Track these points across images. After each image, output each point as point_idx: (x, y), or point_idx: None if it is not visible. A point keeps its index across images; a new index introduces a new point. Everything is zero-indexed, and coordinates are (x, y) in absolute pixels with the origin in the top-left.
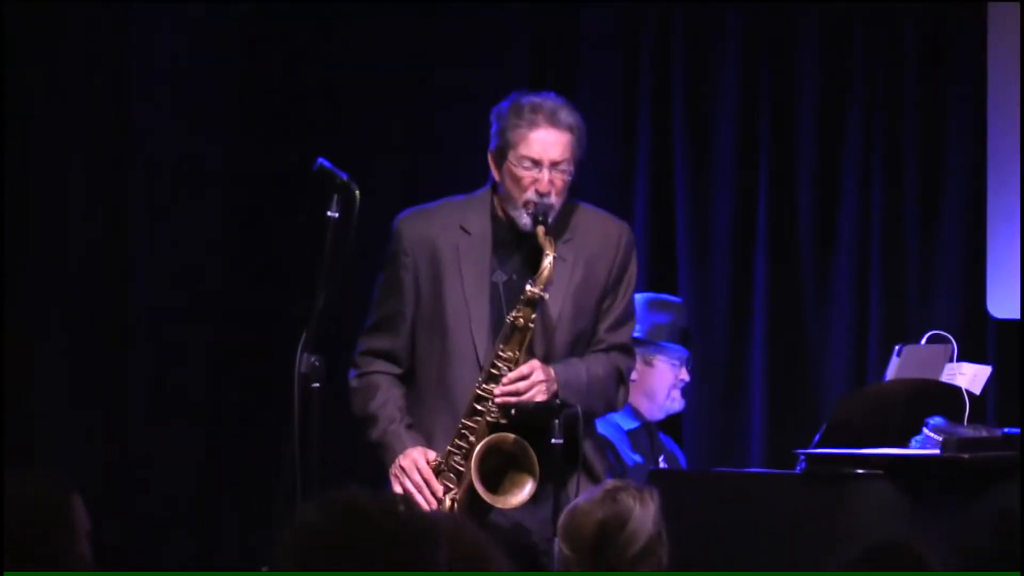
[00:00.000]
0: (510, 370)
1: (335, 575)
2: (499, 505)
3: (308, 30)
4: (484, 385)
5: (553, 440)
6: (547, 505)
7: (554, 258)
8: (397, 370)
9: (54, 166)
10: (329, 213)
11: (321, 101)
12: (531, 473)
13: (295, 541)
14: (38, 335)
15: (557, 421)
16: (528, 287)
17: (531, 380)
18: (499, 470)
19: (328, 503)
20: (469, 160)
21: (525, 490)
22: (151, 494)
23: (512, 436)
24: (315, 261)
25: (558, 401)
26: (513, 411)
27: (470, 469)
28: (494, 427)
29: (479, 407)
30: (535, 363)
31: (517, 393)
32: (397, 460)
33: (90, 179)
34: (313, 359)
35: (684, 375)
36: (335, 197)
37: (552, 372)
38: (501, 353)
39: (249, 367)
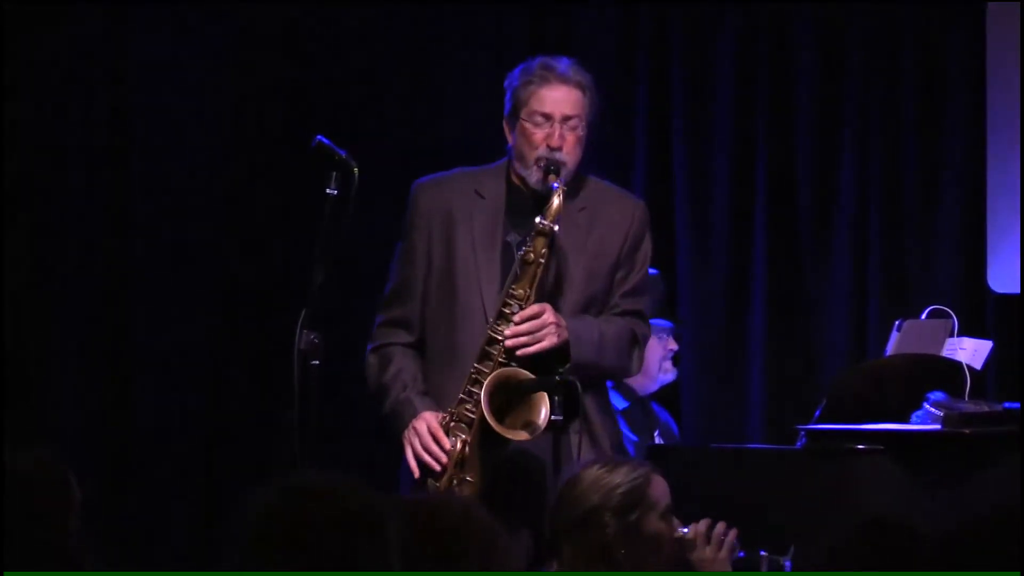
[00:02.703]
0: (521, 308)
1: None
2: (509, 436)
3: (309, 22)
4: (495, 326)
5: (552, 416)
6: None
7: (562, 192)
8: (411, 338)
9: (54, 160)
10: (328, 190)
11: (323, 98)
12: (541, 411)
13: (249, 525)
14: (43, 318)
15: (556, 398)
16: (538, 220)
17: (542, 320)
18: (510, 405)
19: (278, 485)
20: (468, 155)
21: (534, 425)
22: (153, 472)
23: (523, 371)
24: (314, 238)
25: (563, 371)
26: (519, 352)
27: (481, 403)
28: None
29: (491, 349)
30: (546, 305)
31: (528, 333)
32: (410, 424)
33: (91, 174)
34: (312, 336)
35: (672, 344)
36: (334, 174)
37: (563, 319)
38: (512, 291)
39: (248, 345)
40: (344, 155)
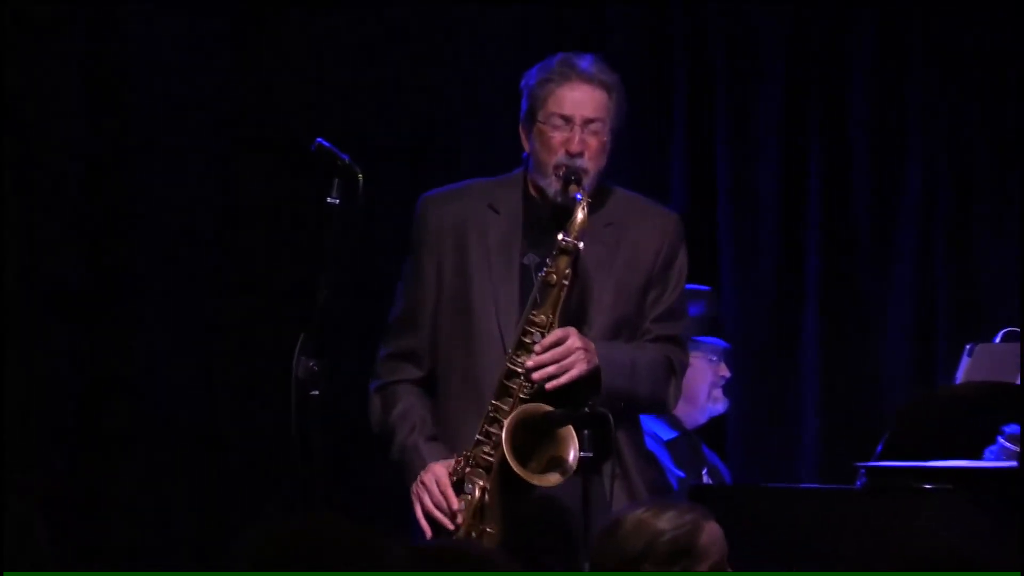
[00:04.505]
0: (543, 336)
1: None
2: (535, 482)
3: (316, 14)
4: (515, 357)
5: (582, 453)
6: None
7: (587, 204)
8: (420, 373)
9: (49, 158)
10: (329, 199)
11: (324, 96)
12: (569, 451)
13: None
14: (33, 337)
15: (587, 432)
16: (560, 236)
17: (567, 346)
18: (534, 445)
19: (268, 532)
20: (486, 160)
21: (564, 466)
22: (147, 505)
23: (547, 407)
24: (315, 253)
25: (593, 406)
26: (548, 386)
27: (502, 444)
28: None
29: (510, 384)
30: (570, 329)
31: (553, 362)
32: (419, 477)
33: (81, 183)
34: (312, 363)
35: (724, 371)
36: (336, 181)
37: (592, 344)
38: (533, 318)
39: (244, 372)
40: (347, 160)
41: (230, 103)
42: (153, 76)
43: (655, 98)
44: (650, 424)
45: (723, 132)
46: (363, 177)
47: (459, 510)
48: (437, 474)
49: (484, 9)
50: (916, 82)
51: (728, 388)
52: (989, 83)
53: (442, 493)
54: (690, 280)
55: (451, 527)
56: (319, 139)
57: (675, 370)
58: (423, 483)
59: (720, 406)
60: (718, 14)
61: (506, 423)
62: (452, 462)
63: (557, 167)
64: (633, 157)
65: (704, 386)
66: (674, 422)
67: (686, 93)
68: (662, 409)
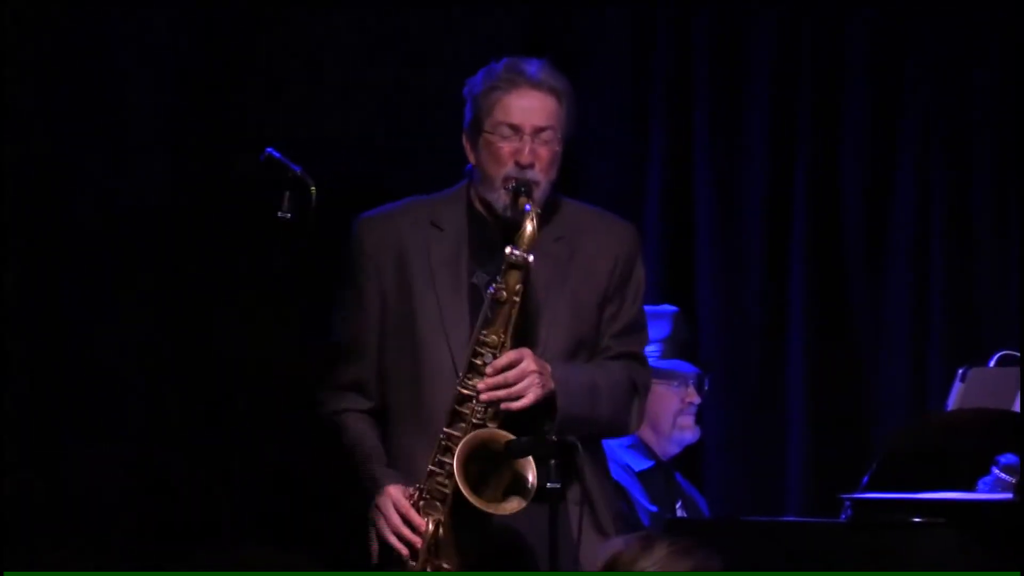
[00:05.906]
0: (496, 357)
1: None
2: (492, 511)
3: (285, 14)
4: (465, 380)
5: (549, 484)
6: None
7: (536, 216)
8: (367, 403)
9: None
10: (280, 214)
11: (278, 102)
12: (528, 474)
13: None
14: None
15: (554, 462)
16: (509, 249)
17: (521, 369)
18: (491, 472)
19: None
20: (453, 174)
21: (524, 491)
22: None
23: (503, 433)
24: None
25: (549, 428)
26: (500, 409)
27: (455, 472)
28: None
29: (462, 409)
30: (524, 351)
31: (506, 386)
32: (374, 501)
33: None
34: None
35: (692, 396)
36: (287, 194)
37: (547, 366)
38: (483, 338)
39: (193, 399)
40: (299, 171)
41: (229, 103)
42: (140, 73)
43: (634, 104)
44: (622, 455)
45: (703, 138)
46: (315, 190)
47: (423, 532)
48: (393, 496)
49: (484, 9)
50: (913, 85)
51: (705, 414)
52: (987, 89)
53: (402, 516)
54: (667, 299)
55: (406, 553)
56: (269, 149)
57: (637, 390)
58: (379, 508)
59: (689, 434)
60: (703, 17)
61: (457, 449)
62: (409, 489)
63: (506, 179)
64: (609, 166)
65: (669, 414)
66: (648, 452)
67: (665, 98)
68: (623, 432)
